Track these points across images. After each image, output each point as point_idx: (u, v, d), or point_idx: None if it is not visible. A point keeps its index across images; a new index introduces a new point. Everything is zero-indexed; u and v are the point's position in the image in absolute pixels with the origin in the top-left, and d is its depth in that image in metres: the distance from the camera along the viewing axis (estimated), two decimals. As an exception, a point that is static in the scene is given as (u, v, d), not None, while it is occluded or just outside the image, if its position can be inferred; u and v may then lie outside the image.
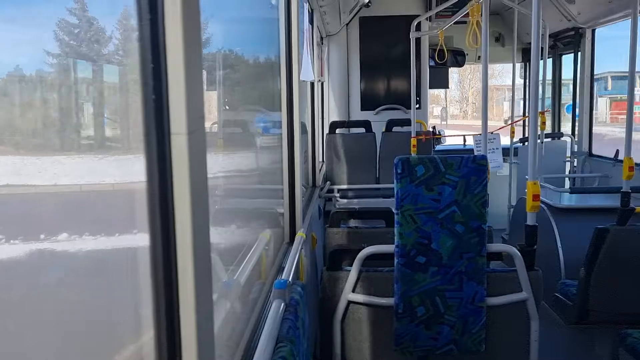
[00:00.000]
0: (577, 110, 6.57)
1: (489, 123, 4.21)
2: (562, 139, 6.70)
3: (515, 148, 6.59)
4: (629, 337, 3.05)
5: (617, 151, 5.83)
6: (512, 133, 6.46)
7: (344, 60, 7.31)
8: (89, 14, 1.03)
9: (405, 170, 2.57)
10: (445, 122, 25.16)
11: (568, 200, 4.95)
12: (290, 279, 2.05)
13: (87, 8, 1.03)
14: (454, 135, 9.18)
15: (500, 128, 6.47)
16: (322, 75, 6.15)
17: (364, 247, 2.71)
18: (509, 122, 6.72)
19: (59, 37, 0.97)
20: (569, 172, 6.59)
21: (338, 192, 5.52)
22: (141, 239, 1.00)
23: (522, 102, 7.62)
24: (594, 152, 6.37)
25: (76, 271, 1.03)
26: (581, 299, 3.59)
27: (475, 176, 2.56)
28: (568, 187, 6.13)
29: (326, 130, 6.65)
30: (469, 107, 37.51)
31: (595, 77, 6.36)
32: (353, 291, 2.70)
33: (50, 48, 0.94)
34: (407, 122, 6.24)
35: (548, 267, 3.88)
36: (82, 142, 1.07)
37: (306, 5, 4.16)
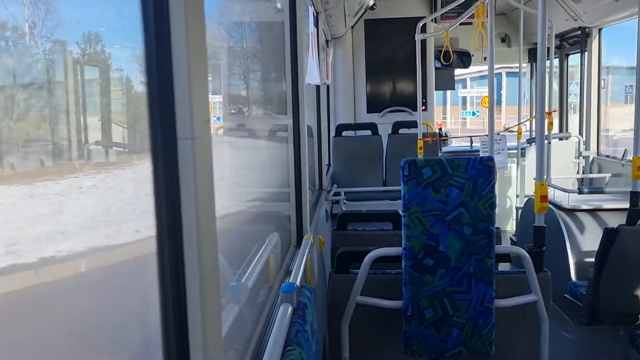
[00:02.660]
0: (583, 110, 6.54)
1: None
2: (570, 139, 6.67)
3: (523, 149, 6.55)
4: (639, 337, 3.02)
5: (625, 151, 5.79)
6: (520, 134, 6.43)
7: (349, 62, 7.31)
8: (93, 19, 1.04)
9: (412, 172, 2.57)
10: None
11: (576, 200, 4.92)
12: (298, 282, 2.05)
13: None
14: (461, 137, 9.16)
15: (507, 129, 6.44)
16: (327, 78, 6.14)
17: (371, 250, 2.70)
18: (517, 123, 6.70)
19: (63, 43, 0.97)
20: (577, 173, 6.56)
21: (345, 195, 5.51)
22: (148, 243, 1.00)
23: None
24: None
25: (83, 276, 1.03)
26: (591, 299, 3.56)
27: (483, 177, 2.55)
28: (576, 187, 6.08)
29: (332, 133, 6.65)
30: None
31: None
32: (361, 294, 2.69)
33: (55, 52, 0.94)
34: (413, 124, 6.23)
35: (557, 268, 3.86)
36: (90, 147, 1.07)
37: (311, 9, 4.16)
